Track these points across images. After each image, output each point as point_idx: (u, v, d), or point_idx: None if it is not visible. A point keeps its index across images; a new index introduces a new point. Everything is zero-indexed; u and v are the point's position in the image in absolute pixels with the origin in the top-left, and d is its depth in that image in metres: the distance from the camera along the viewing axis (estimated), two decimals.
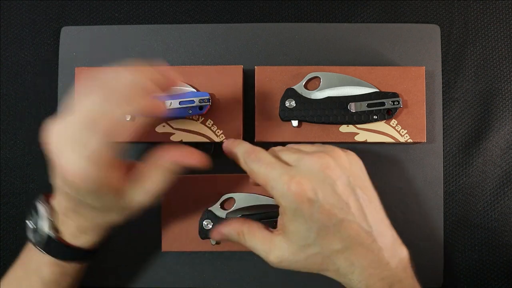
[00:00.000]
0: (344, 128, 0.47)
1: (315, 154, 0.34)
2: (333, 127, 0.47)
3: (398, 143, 0.48)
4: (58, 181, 0.34)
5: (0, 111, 0.51)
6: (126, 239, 0.49)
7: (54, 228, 0.38)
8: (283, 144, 0.49)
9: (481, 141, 0.50)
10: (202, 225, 0.45)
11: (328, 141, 0.47)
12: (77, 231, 0.38)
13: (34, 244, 0.38)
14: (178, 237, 0.47)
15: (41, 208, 0.38)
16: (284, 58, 0.50)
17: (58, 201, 0.38)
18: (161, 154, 0.36)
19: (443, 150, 0.50)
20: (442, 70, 0.50)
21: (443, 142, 0.50)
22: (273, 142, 0.49)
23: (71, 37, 0.50)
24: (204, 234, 0.45)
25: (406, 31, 0.50)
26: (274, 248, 0.35)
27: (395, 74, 0.47)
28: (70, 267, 0.39)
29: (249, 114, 0.48)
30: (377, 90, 0.46)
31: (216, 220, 0.45)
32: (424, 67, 0.48)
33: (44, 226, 0.38)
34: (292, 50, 0.50)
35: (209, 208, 0.46)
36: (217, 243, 0.46)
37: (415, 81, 0.47)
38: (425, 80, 0.47)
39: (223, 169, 0.49)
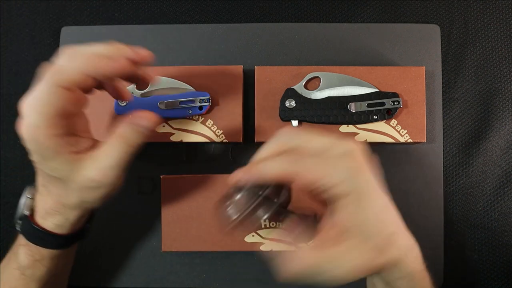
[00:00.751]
0: (344, 128, 0.47)
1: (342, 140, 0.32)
2: (333, 127, 0.47)
3: (398, 143, 0.48)
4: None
5: (0, 111, 0.51)
6: (126, 239, 0.49)
7: (31, 208, 0.37)
8: None
9: (481, 141, 0.50)
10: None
11: None
12: (45, 212, 0.37)
13: (14, 224, 0.38)
14: (178, 237, 0.47)
15: (28, 188, 0.38)
16: (284, 58, 0.50)
17: (36, 178, 0.37)
18: (116, 127, 0.35)
19: (443, 150, 0.50)
20: (442, 70, 0.50)
21: (443, 142, 0.50)
22: None
23: (71, 37, 0.50)
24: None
25: (406, 31, 0.50)
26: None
27: (395, 74, 0.47)
28: (44, 253, 0.38)
29: (249, 114, 0.48)
30: (377, 90, 0.46)
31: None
32: (424, 67, 0.48)
33: (22, 204, 0.38)
34: (292, 50, 0.50)
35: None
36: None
37: (415, 81, 0.47)
38: (425, 80, 0.47)
39: (223, 169, 0.49)
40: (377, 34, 0.50)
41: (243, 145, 0.49)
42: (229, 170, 0.48)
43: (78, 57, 0.33)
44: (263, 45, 0.50)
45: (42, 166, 0.34)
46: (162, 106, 0.45)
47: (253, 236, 0.47)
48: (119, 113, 0.46)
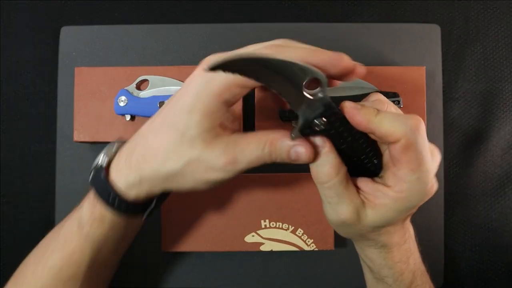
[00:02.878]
0: None
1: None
2: None
3: None
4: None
5: (0, 111, 0.51)
6: None
7: (110, 159, 0.35)
8: None
9: (481, 141, 0.50)
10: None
11: None
12: (122, 167, 0.34)
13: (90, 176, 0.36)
14: (178, 237, 0.47)
15: (118, 140, 0.36)
16: None
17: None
18: (276, 132, 0.32)
19: (443, 150, 0.50)
20: (443, 70, 0.50)
21: (443, 142, 0.50)
22: None
23: (71, 37, 0.50)
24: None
25: (406, 31, 0.50)
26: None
27: (395, 74, 0.47)
28: (104, 214, 0.35)
29: (249, 114, 0.48)
30: (377, 90, 0.46)
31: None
32: (425, 67, 0.48)
33: (102, 153, 0.35)
34: None
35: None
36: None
37: (415, 81, 0.47)
38: (425, 80, 0.47)
39: None
40: (377, 34, 0.50)
41: None
42: None
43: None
44: None
45: (181, 114, 0.31)
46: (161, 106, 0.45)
47: (253, 236, 0.47)
48: (119, 113, 0.46)
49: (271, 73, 0.28)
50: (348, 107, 0.30)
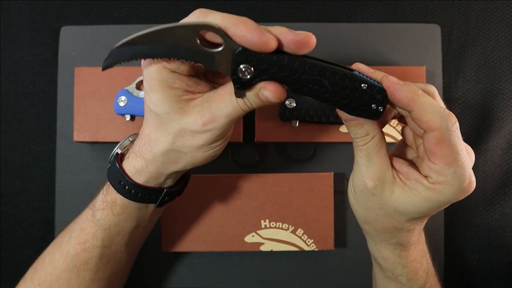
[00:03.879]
0: (344, 128, 0.47)
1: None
2: (333, 127, 0.47)
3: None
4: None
5: (0, 111, 0.51)
6: None
7: (125, 149, 0.37)
8: (284, 144, 0.49)
9: (481, 141, 0.50)
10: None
11: (328, 141, 0.47)
12: (130, 154, 0.35)
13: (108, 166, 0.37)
14: (178, 237, 0.47)
15: (134, 134, 0.38)
16: None
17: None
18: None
19: None
20: (443, 70, 0.50)
21: None
22: (273, 142, 0.49)
23: (71, 37, 0.50)
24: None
25: (406, 31, 0.50)
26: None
27: (395, 74, 0.46)
28: (116, 198, 0.36)
29: (249, 114, 0.48)
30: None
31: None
32: (425, 67, 0.48)
33: (118, 145, 0.37)
34: None
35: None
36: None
37: (415, 81, 0.47)
38: (425, 80, 0.47)
39: (223, 169, 0.49)
40: (377, 34, 0.50)
41: (243, 145, 0.49)
42: (229, 170, 0.48)
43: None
44: None
45: (147, 97, 0.32)
46: None
47: (253, 236, 0.47)
48: (119, 113, 0.46)
49: (163, 46, 0.29)
50: (391, 81, 0.30)
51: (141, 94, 0.46)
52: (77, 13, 0.52)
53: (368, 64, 0.49)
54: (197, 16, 0.29)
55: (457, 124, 0.30)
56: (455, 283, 0.50)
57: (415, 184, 0.31)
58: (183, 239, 0.47)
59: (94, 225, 0.37)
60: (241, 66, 0.28)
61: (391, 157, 0.33)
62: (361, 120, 0.31)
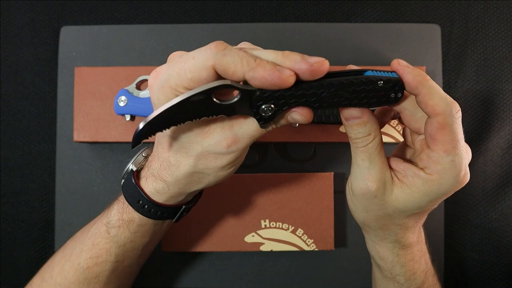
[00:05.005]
0: (344, 128, 0.47)
1: None
2: (333, 127, 0.47)
3: (398, 143, 0.48)
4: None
5: (0, 111, 0.51)
6: None
7: (140, 165, 0.37)
8: (284, 144, 0.49)
9: (481, 141, 0.50)
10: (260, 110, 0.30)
11: (328, 141, 0.47)
12: (150, 174, 0.35)
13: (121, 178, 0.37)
14: (178, 237, 0.47)
15: (147, 147, 0.38)
16: None
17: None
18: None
19: None
20: (443, 70, 0.50)
21: None
22: (273, 142, 0.49)
23: (71, 37, 0.50)
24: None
25: (406, 31, 0.50)
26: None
27: None
28: (133, 217, 0.36)
29: None
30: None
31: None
32: (425, 67, 0.48)
33: (133, 159, 0.37)
34: (292, 50, 0.50)
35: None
36: None
37: None
38: None
39: None
40: (377, 34, 0.50)
41: None
42: None
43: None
44: (263, 45, 0.49)
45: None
46: None
47: (253, 236, 0.47)
48: (119, 113, 0.46)
49: (189, 111, 0.29)
50: (401, 64, 0.30)
51: (141, 94, 0.46)
52: (77, 13, 0.52)
53: (368, 64, 0.49)
54: (214, 52, 0.28)
55: (460, 113, 0.30)
56: (455, 283, 0.50)
57: (412, 180, 0.31)
58: (183, 239, 0.47)
59: (108, 242, 0.37)
60: (262, 107, 0.29)
61: (387, 158, 0.33)
62: (365, 118, 0.31)
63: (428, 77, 0.30)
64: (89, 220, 0.40)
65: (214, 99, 0.29)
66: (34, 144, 0.50)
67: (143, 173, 0.36)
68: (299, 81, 0.29)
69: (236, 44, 0.33)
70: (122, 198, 0.36)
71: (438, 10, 0.51)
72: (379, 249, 0.36)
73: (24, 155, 0.51)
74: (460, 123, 0.30)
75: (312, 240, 0.47)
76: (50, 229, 0.50)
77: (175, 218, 0.37)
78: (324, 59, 0.29)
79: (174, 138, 0.32)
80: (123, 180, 0.37)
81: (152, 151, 0.36)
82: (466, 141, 0.31)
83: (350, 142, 0.33)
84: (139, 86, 0.47)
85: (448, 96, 0.30)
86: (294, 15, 0.52)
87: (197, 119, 0.29)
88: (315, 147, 0.50)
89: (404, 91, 0.31)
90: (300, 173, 0.47)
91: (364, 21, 0.51)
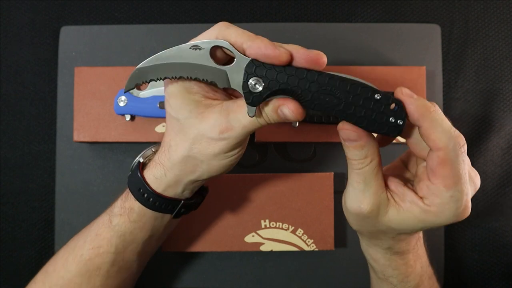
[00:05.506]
0: None
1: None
2: (333, 127, 0.47)
3: (398, 143, 0.48)
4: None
5: (0, 111, 0.51)
6: None
7: (147, 159, 0.38)
8: (284, 144, 0.49)
9: (481, 141, 0.50)
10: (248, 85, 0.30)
11: (328, 141, 0.47)
12: (150, 163, 0.36)
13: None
14: (178, 237, 0.47)
15: (157, 144, 0.39)
16: None
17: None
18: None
19: None
20: (443, 70, 0.50)
21: None
22: (273, 142, 0.49)
23: (71, 37, 0.50)
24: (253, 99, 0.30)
25: (406, 31, 0.50)
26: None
27: (395, 74, 0.47)
28: (134, 205, 0.36)
29: None
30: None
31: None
32: (425, 67, 0.48)
33: (140, 155, 0.38)
34: None
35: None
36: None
37: (415, 81, 0.47)
38: (425, 80, 0.47)
39: None
40: (377, 34, 0.50)
41: None
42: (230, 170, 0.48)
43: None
44: None
45: (168, 105, 0.33)
46: (161, 106, 0.45)
47: (253, 236, 0.47)
48: (119, 113, 0.46)
49: (179, 66, 0.31)
50: (404, 93, 0.29)
51: (141, 94, 0.46)
52: (77, 13, 0.52)
53: (368, 64, 0.49)
54: (219, 28, 0.31)
55: (465, 147, 0.30)
56: (455, 283, 0.50)
57: (410, 206, 0.31)
58: (183, 239, 0.47)
59: (110, 231, 0.37)
60: (251, 79, 0.30)
61: (385, 176, 0.33)
62: (363, 141, 0.30)
63: (432, 108, 0.29)
64: (89, 220, 0.40)
65: (211, 59, 0.30)
66: (34, 144, 0.50)
67: (148, 164, 0.37)
68: (294, 67, 0.29)
69: None
70: (127, 189, 0.37)
71: (438, 10, 0.51)
72: (371, 252, 0.36)
73: (24, 155, 0.51)
74: (465, 157, 0.30)
75: (312, 240, 0.47)
76: (50, 229, 0.50)
77: (174, 213, 0.38)
78: (322, 53, 0.29)
79: (177, 119, 0.33)
80: (130, 172, 0.38)
81: (157, 147, 0.37)
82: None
83: (347, 161, 0.32)
84: (139, 86, 0.47)
85: (452, 129, 0.29)
86: (294, 15, 0.52)
87: (190, 78, 0.31)
88: (315, 147, 0.50)
89: (407, 119, 0.29)
90: (300, 173, 0.47)
91: (364, 21, 0.51)
